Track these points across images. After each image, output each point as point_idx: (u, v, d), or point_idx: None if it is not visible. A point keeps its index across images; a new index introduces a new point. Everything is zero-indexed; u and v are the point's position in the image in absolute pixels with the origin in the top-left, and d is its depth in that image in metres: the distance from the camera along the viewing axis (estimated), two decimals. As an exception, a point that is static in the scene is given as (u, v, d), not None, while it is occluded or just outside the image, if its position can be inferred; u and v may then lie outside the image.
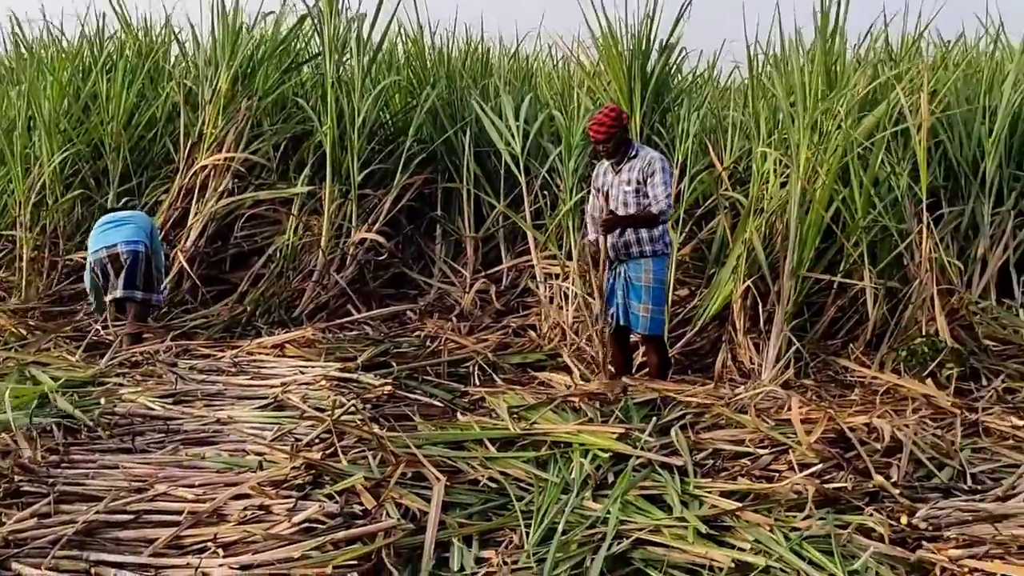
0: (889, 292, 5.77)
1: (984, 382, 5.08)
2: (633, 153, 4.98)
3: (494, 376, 5.11)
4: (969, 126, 6.69)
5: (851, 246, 5.71)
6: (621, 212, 4.91)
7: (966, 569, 2.69)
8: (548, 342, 5.89)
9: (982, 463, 3.79)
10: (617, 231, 4.89)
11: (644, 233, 4.93)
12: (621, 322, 5.06)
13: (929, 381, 4.93)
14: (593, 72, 7.55)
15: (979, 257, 6.35)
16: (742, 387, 4.87)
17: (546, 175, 7.00)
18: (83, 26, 8.47)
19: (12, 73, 8.61)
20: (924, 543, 2.92)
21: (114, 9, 8.43)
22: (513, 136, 7.03)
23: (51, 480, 3.31)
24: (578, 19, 7.18)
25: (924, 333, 5.40)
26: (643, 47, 6.78)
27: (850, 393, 4.96)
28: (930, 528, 3.02)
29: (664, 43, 6.95)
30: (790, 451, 3.73)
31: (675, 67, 7.50)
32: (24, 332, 6.13)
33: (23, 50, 8.61)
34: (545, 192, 7.04)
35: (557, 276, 6.44)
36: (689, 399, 4.44)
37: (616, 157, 4.97)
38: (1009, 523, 2.97)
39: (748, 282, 5.56)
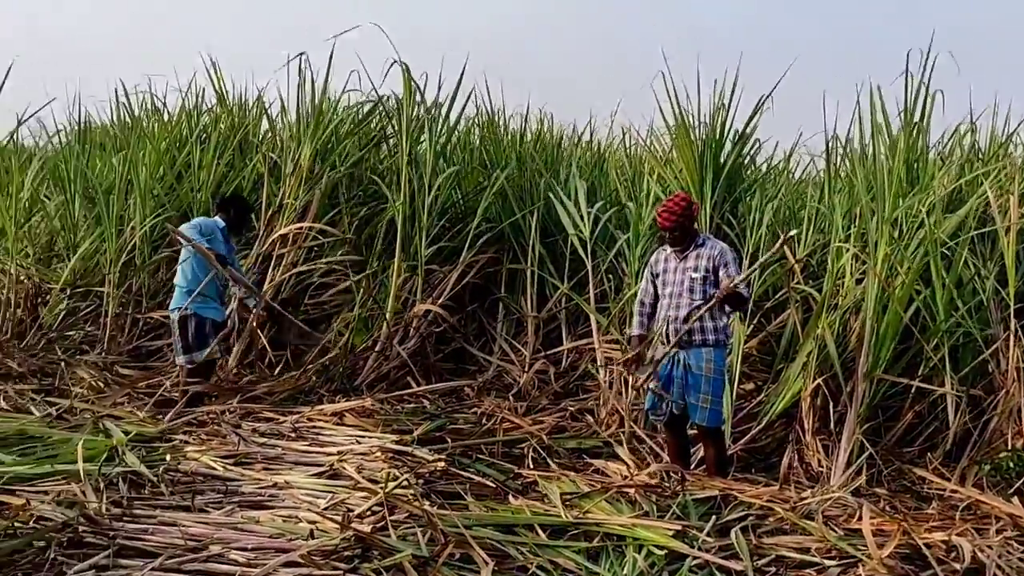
0: (972, 400, 5.50)
1: (1076, 503, 4.75)
2: (700, 241, 4.99)
3: (548, 460, 5.01)
4: (1060, 230, 6.44)
5: (931, 349, 5.49)
6: (685, 298, 4.89)
7: None
8: (605, 428, 5.77)
9: (1073, 593, 3.52)
10: (682, 316, 4.84)
11: (708, 322, 4.86)
12: (676, 411, 4.94)
13: (1015, 500, 4.62)
14: (665, 160, 7.59)
15: (1069, 368, 6.03)
16: (809, 491, 4.65)
17: (612, 259, 7.00)
18: (183, 99, 8.98)
19: (116, 140, 9.11)
20: (1004, 676, 2.70)
21: (212, 85, 8.91)
22: (583, 220, 7.08)
23: (112, 533, 3.41)
24: (652, 107, 7.24)
25: (1010, 447, 5.10)
26: (716, 136, 6.80)
27: (927, 506, 4.69)
28: (1012, 661, 2.80)
29: (739, 133, 6.96)
30: (860, 565, 3.52)
31: (749, 157, 7.49)
32: (102, 385, 6.34)
33: (128, 119, 9.13)
34: (610, 276, 7.02)
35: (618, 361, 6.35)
36: (752, 499, 4.25)
37: (682, 245, 4.97)
38: (1101, 661, 2.72)
39: (819, 380, 5.39)
